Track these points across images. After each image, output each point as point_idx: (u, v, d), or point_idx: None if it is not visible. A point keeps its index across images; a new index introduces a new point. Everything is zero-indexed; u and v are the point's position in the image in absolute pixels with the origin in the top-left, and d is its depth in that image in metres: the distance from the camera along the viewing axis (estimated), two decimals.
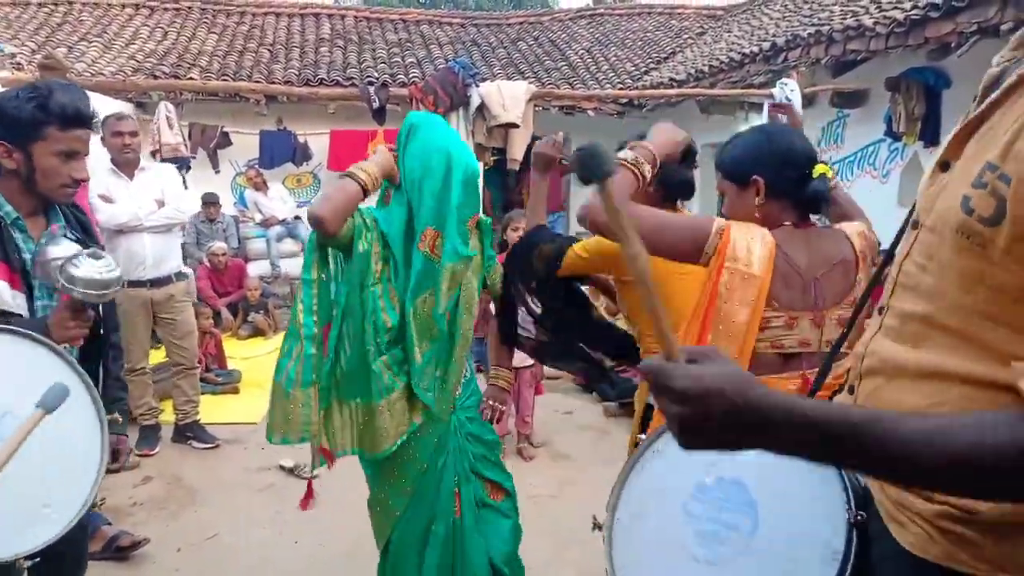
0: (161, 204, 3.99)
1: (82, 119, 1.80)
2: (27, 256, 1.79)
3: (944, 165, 0.92)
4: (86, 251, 1.71)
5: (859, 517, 1.05)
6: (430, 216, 1.94)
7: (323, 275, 1.99)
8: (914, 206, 1.00)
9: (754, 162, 1.66)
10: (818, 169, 1.66)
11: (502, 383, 2.26)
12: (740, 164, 1.69)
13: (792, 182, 1.64)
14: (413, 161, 1.96)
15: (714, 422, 0.78)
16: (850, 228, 1.70)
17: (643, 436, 1.28)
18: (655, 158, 1.77)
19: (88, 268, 1.65)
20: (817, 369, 1.46)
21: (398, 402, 1.98)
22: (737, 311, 1.55)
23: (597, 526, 1.27)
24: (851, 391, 1.06)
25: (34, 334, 1.60)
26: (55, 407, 1.40)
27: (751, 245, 1.56)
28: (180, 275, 4.18)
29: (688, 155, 2.18)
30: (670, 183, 2.15)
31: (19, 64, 6.91)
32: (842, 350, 1.35)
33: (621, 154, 1.71)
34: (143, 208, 3.91)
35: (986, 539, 0.85)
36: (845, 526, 1.05)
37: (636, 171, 1.71)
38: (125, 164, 3.94)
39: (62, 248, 1.78)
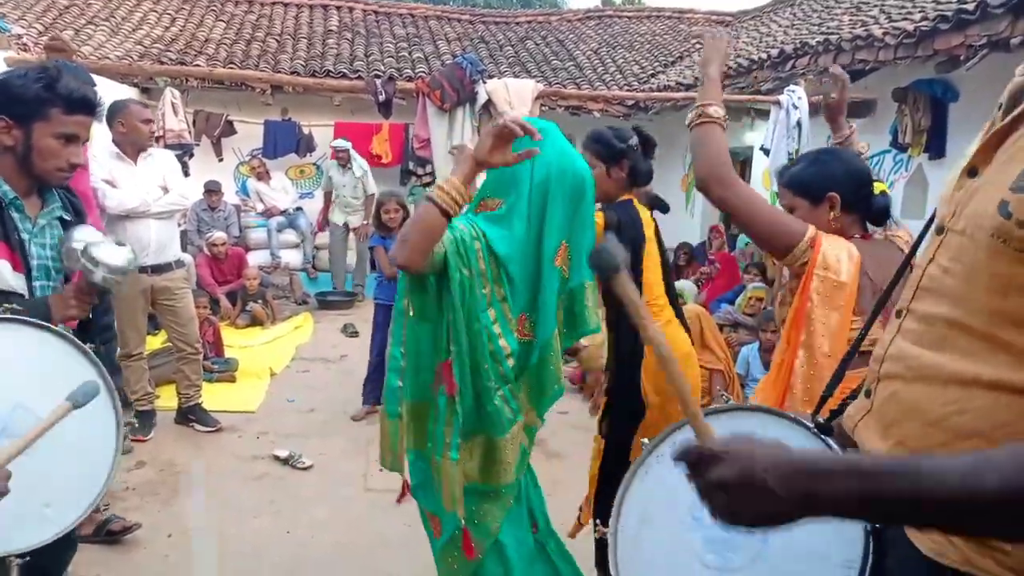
0: (164, 190, 3.97)
1: (87, 105, 1.80)
2: (25, 236, 1.79)
3: (972, 171, 0.92)
4: (110, 238, 1.83)
5: (876, 525, 1.02)
6: (564, 230, 1.80)
7: (412, 308, 1.79)
8: (934, 212, 1.00)
9: (829, 180, 1.80)
10: (877, 186, 1.81)
11: None
12: (814, 182, 1.82)
13: (864, 198, 1.81)
14: (545, 169, 1.77)
15: (758, 485, 0.76)
16: (899, 239, 1.85)
17: (646, 441, 1.26)
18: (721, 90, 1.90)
19: (111, 253, 1.74)
20: None
21: (519, 433, 1.87)
22: (829, 314, 1.69)
23: (601, 533, 1.24)
24: (868, 395, 1.05)
25: (64, 332, 1.59)
26: (84, 403, 1.38)
27: (840, 256, 1.69)
28: (179, 262, 4.18)
29: (649, 148, 2.56)
30: (637, 173, 2.50)
31: (25, 45, 6.88)
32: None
33: (711, 111, 1.78)
34: (149, 193, 3.90)
35: (1010, 543, 0.82)
36: (862, 534, 1.03)
37: (722, 124, 1.80)
38: (134, 149, 3.91)
39: (87, 233, 1.84)
